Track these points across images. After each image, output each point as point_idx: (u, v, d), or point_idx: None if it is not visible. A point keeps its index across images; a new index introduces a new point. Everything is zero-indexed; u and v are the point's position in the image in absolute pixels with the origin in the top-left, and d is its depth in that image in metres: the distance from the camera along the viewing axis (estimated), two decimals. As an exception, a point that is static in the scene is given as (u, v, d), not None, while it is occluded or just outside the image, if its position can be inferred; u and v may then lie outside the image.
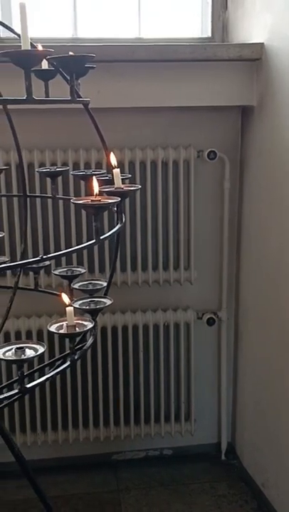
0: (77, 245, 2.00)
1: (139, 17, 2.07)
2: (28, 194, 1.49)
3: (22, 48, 0.91)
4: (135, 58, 1.79)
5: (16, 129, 1.41)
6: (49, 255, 0.94)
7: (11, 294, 1.48)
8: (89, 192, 1.05)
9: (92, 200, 1.02)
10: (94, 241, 1.03)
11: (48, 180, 1.89)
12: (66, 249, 1.97)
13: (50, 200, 1.91)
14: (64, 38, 2.01)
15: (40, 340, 1.92)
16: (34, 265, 1.36)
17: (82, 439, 2.09)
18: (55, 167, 1.44)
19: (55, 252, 1.94)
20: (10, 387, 1.46)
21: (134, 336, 2.05)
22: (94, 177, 1.03)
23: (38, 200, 1.90)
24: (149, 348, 2.07)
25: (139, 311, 2.05)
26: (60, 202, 1.91)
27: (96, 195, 1.02)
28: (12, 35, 1.99)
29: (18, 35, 1.21)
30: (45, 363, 1.37)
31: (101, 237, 1.04)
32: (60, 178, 1.85)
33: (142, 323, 2.05)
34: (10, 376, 1.98)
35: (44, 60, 1.06)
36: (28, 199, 1.50)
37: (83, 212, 1.95)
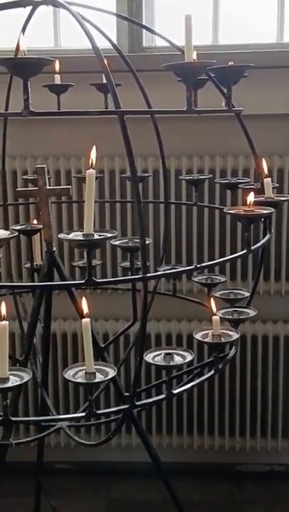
0: (220, 253, 2.00)
1: (279, 21, 2.03)
2: (170, 201, 1.52)
3: (185, 60, 0.93)
4: (279, 64, 1.75)
5: (162, 136, 1.45)
6: (203, 264, 0.95)
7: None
8: (242, 201, 1.05)
9: (245, 211, 1.01)
10: (245, 251, 1.02)
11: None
12: (208, 256, 1.97)
13: (194, 208, 1.92)
14: (203, 46, 2.02)
15: (178, 344, 1.95)
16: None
17: (206, 446, 2.09)
18: (198, 175, 1.45)
19: (197, 259, 1.96)
20: (148, 392, 1.49)
21: (274, 347, 2.01)
22: (252, 191, 1.01)
23: (183, 207, 1.91)
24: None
25: (280, 322, 2.01)
26: (205, 209, 1.91)
27: (250, 205, 1.01)
28: (153, 43, 2.06)
29: (175, 46, 1.24)
30: (181, 370, 1.38)
31: (252, 247, 1.03)
32: (206, 185, 1.86)
33: (283, 334, 2.00)
34: (148, 378, 2.01)
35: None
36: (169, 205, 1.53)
37: (227, 220, 1.94)
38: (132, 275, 1.24)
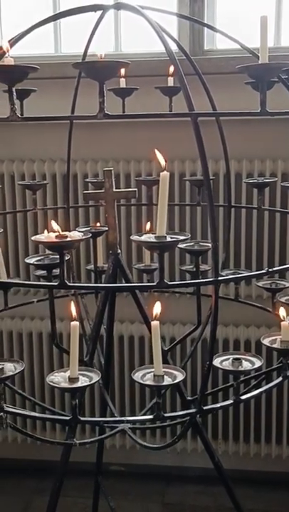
0: (280, 258, 1.96)
1: None
2: (232, 204, 1.50)
3: (260, 61, 0.92)
4: None
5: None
6: (275, 268, 0.94)
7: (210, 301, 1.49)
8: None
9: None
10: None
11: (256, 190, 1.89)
12: (268, 260, 1.93)
13: (254, 211, 1.90)
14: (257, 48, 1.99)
15: (236, 349, 1.93)
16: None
17: (263, 455, 2.05)
18: (262, 178, 1.43)
19: (256, 263, 1.93)
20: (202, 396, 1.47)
21: None
22: None
23: (243, 210, 1.90)
24: None
25: None
26: (266, 213, 1.89)
27: None
28: (214, 46, 2.04)
29: (245, 48, 1.23)
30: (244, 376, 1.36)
31: None
32: (267, 189, 1.84)
33: None
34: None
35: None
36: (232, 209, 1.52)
37: (288, 224, 1.91)
38: (196, 279, 1.24)
